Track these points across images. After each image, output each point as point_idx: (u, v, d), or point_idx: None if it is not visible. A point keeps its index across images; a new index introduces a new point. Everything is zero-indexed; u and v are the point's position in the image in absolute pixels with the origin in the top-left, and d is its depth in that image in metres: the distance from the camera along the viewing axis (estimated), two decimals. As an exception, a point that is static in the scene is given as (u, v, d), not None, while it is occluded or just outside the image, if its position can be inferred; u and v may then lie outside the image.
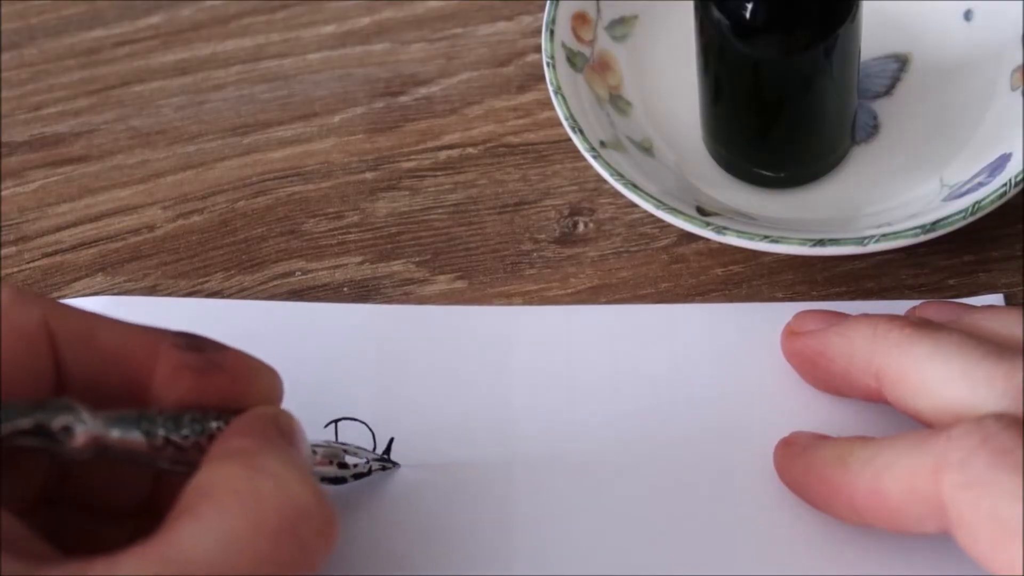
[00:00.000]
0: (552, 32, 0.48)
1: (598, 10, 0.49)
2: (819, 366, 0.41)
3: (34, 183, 0.51)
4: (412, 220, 0.49)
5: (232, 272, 0.48)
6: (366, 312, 0.46)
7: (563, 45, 0.48)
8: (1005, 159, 0.45)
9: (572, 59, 0.48)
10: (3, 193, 0.50)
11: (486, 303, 0.46)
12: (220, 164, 0.51)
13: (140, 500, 0.38)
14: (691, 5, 0.44)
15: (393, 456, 0.42)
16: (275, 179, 0.50)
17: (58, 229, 0.50)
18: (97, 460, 0.35)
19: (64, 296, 0.48)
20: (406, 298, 0.47)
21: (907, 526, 0.36)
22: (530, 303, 0.46)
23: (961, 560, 0.35)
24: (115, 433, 0.34)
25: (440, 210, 0.49)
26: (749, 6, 0.42)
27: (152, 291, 0.47)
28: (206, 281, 0.48)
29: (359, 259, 0.48)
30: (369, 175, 0.50)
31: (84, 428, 0.34)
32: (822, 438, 0.40)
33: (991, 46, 0.48)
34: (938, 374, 0.37)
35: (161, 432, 0.35)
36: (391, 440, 0.42)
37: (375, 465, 0.41)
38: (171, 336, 0.36)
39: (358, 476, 0.41)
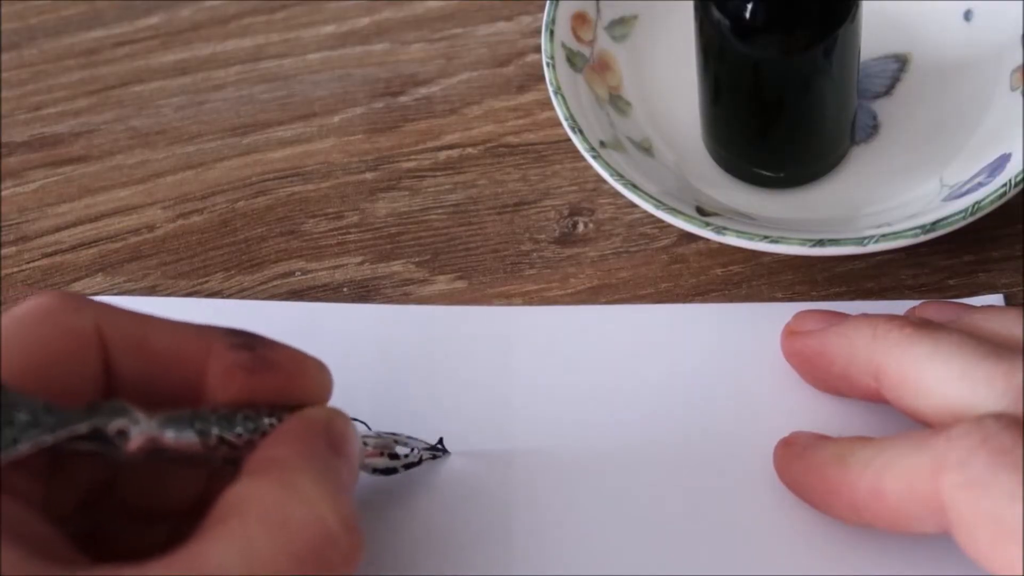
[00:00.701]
0: (552, 32, 0.48)
1: (598, 10, 0.49)
2: (819, 366, 0.41)
3: (34, 183, 0.51)
4: (412, 220, 0.49)
5: (232, 272, 0.48)
6: (366, 312, 0.46)
7: (563, 45, 0.48)
8: (1005, 159, 0.45)
9: (572, 59, 0.48)
10: (3, 193, 0.50)
11: (486, 303, 0.46)
12: (220, 164, 0.51)
13: (189, 501, 0.38)
14: (691, 5, 0.44)
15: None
16: (275, 179, 0.50)
17: (58, 229, 0.50)
18: (146, 463, 0.35)
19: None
20: (406, 298, 0.47)
21: (907, 526, 0.36)
22: (530, 303, 0.46)
23: (961, 560, 0.35)
24: (169, 434, 0.34)
25: (440, 210, 0.49)
26: (749, 6, 0.42)
27: (152, 291, 0.47)
28: (206, 281, 0.48)
29: (359, 259, 0.48)
30: (369, 175, 0.50)
31: (139, 430, 0.34)
32: (822, 438, 0.40)
33: (991, 46, 0.48)
34: (938, 374, 0.37)
35: (215, 431, 0.35)
36: (441, 439, 0.42)
37: (425, 454, 0.41)
38: (223, 335, 0.36)
39: (409, 466, 0.41)
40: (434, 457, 0.42)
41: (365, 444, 0.39)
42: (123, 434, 0.34)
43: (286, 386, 0.36)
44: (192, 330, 0.36)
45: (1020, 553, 0.33)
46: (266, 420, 0.36)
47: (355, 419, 0.43)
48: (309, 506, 0.33)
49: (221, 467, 0.36)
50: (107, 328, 0.35)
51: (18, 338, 0.34)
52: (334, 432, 0.36)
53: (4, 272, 0.48)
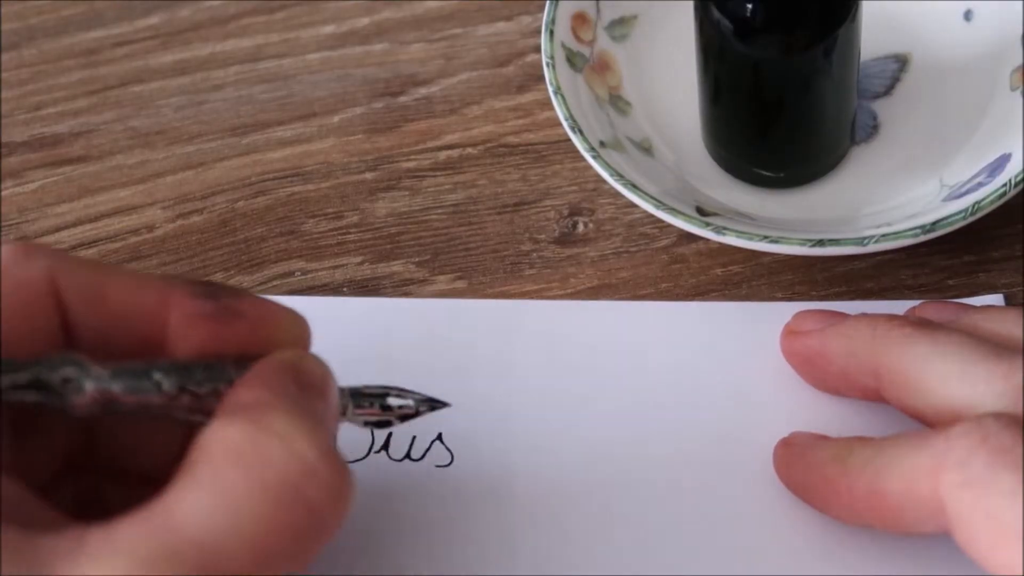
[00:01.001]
0: (552, 32, 0.48)
1: (598, 10, 0.49)
2: (818, 366, 0.41)
3: (34, 183, 0.51)
4: (412, 220, 0.49)
5: (232, 272, 0.48)
6: (367, 306, 0.46)
7: (563, 45, 0.48)
8: (1005, 159, 0.45)
9: (572, 59, 0.48)
10: (3, 193, 0.50)
11: (486, 303, 0.46)
12: (219, 164, 0.51)
13: (175, 459, 0.35)
14: (691, 5, 0.44)
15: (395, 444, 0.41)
16: (275, 179, 0.50)
17: (58, 229, 0.50)
18: (121, 421, 0.34)
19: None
20: (406, 298, 0.47)
21: (907, 526, 0.36)
22: (530, 303, 0.46)
23: (961, 560, 0.35)
24: (120, 385, 0.33)
25: (440, 210, 0.49)
26: (749, 6, 0.42)
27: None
28: (206, 281, 0.48)
29: (359, 259, 0.48)
30: (369, 175, 0.50)
31: (87, 381, 0.32)
32: (822, 438, 0.40)
33: (991, 46, 0.48)
34: (937, 374, 0.37)
35: (172, 382, 0.33)
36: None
37: (423, 407, 0.39)
38: (183, 285, 0.35)
39: (405, 418, 0.38)
40: (432, 408, 0.39)
41: (355, 396, 0.37)
42: (70, 383, 0.32)
43: (254, 336, 0.35)
44: (151, 279, 0.35)
45: (1020, 553, 0.33)
46: (232, 372, 0.34)
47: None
48: (284, 442, 0.31)
49: (196, 423, 0.34)
50: (62, 278, 0.34)
51: None
52: (304, 370, 0.34)
53: (4, 272, 0.48)
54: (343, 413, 0.37)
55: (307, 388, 0.34)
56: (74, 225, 0.50)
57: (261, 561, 0.31)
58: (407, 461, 0.42)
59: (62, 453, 0.35)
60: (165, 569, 0.30)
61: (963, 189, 0.45)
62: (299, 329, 0.36)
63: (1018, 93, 0.47)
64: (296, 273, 0.48)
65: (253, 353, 0.35)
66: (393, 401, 0.38)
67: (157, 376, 0.33)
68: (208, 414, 0.33)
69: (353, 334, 0.45)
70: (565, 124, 0.46)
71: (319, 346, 0.37)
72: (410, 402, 0.38)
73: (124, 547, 0.30)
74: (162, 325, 0.34)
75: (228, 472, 0.31)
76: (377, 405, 0.38)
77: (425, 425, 0.42)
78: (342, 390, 0.37)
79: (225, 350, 0.34)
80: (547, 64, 0.47)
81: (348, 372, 0.43)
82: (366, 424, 0.38)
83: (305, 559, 0.32)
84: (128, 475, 0.36)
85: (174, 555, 0.30)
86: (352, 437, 0.42)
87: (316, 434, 0.32)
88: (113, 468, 0.36)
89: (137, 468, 0.36)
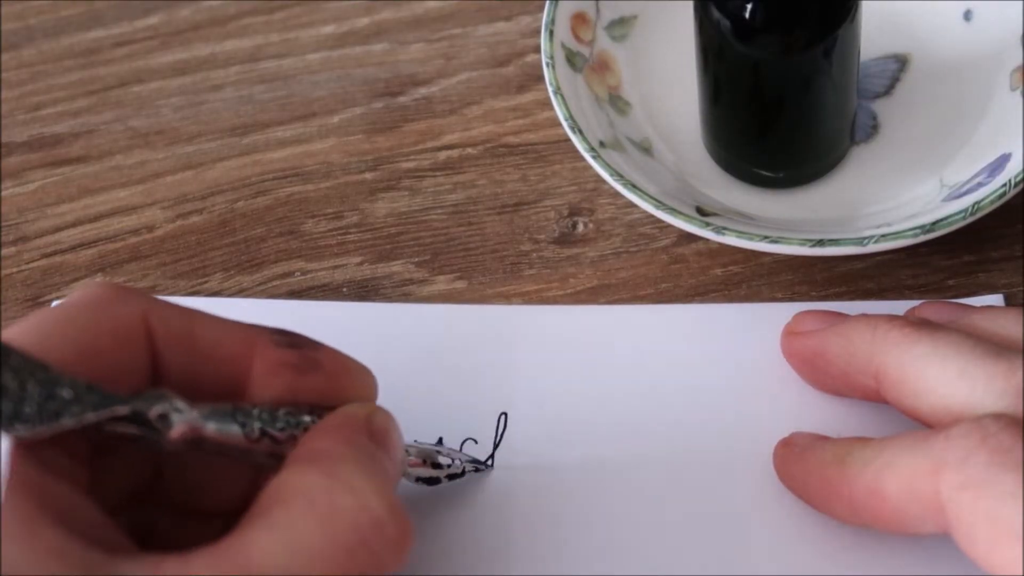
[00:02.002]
0: (551, 32, 0.48)
1: (597, 10, 0.49)
2: (818, 366, 0.41)
3: (33, 183, 0.51)
4: (411, 220, 0.49)
5: (231, 272, 0.48)
6: (366, 311, 0.46)
7: (562, 45, 0.48)
8: (1005, 159, 0.45)
9: (571, 59, 0.48)
10: (2, 194, 0.50)
11: (485, 303, 0.46)
12: (219, 164, 0.51)
13: (236, 500, 0.37)
14: (691, 5, 0.44)
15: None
16: (274, 179, 0.50)
17: (57, 229, 0.50)
18: (192, 459, 0.35)
19: (63, 297, 0.48)
20: (406, 299, 0.47)
21: (906, 526, 0.36)
22: (529, 303, 0.46)
23: (961, 560, 0.35)
24: (211, 425, 0.34)
25: (439, 210, 0.49)
26: (748, 6, 0.42)
27: (151, 292, 0.47)
28: (205, 282, 0.48)
29: (358, 259, 0.48)
30: (368, 175, 0.50)
31: (181, 418, 0.34)
32: (822, 438, 0.40)
33: (991, 46, 0.48)
34: (937, 374, 0.37)
35: (257, 425, 0.35)
36: (492, 456, 0.42)
37: (468, 467, 0.41)
38: (268, 333, 0.36)
39: (452, 477, 0.41)
40: (477, 470, 0.42)
41: (408, 453, 0.39)
42: (165, 419, 0.34)
43: (329, 387, 0.36)
44: (238, 327, 0.36)
45: (1019, 553, 0.33)
46: (307, 418, 0.36)
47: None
48: (355, 495, 0.33)
49: (267, 466, 0.36)
50: (154, 320, 0.36)
51: (67, 326, 0.34)
52: (375, 425, 0.36)
53: (4, 272, 0.48)
54: (403, 472, 0.39)
55: (377, 441, 0.36)
56: (74, 225, 0.50)
57: None
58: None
59: (133, 483, 0.37)
60: None
61: (963, 189, 0.45)
62: (369, 382, 0.38)
63: (1018, 93, 0.47)
64: (296, 273, 0.48)
65: (328, 403, 0.36)
66: (443, 460, 0.41)
67: (242, 418, 0.35)
68: (281, 459, 0.35)
69: (353, 340, 0.45)
70: (565, 124, 0.46)
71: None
72: (457, 462, 0.41)
73: None
74: (245, 369, 0.36)
75: (302, 517, 0.32)
76: (429, 463, 0.40)
77: (426, 430, 0.42)
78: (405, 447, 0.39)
79: (302, 399, 0.36)
80: (547, 64, 0.47)
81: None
82: (417, 480, 0.40)
83: None
84: (187, 511, 0.37)
85: None
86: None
87: (384, 487, 0.34)
88: (174, 503, 0.37)
89: (197, 505, 0.37)
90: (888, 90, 0.49)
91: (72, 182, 0.51)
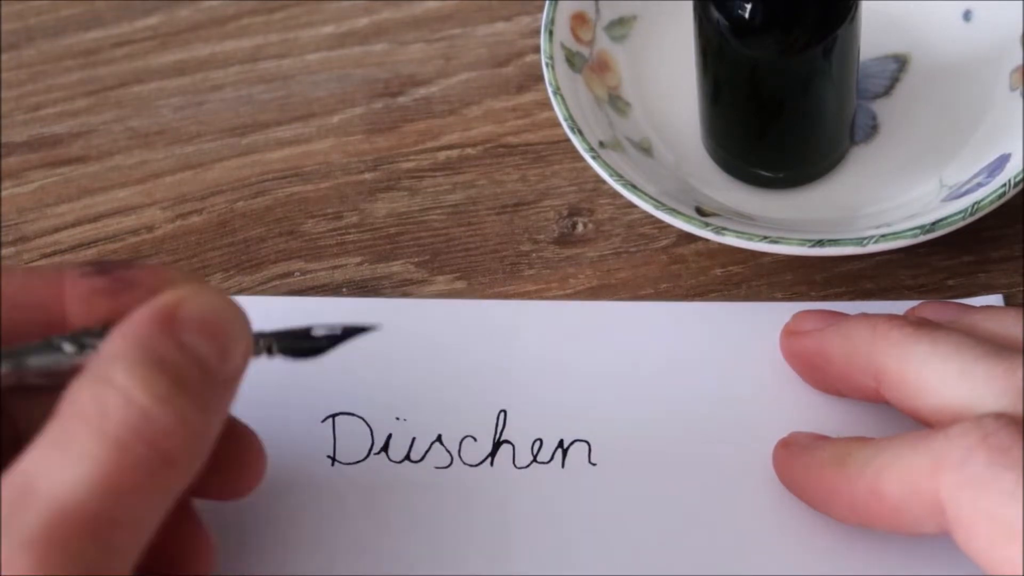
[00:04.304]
0: (551, 32, 0.47)
1: (597, 10, 0.49)
2: (818, 366, 0.41)
3: (33, 184, 0.51)
4: (411, 220, 0.49)
5: (231, 272, 0.48)
6: (366, 306, 0.46)
7: (562, 45, 0.48)
8: (1004, 159, 0.45)
9: (571, 59, 0.48)
10: (2, 194, 0.50)
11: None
12: (219, 165, 0.51)
13: None
14: (690, 5, 0.44)
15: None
16: (274, 180, 0.50)
17: (57, 230, 0.49)
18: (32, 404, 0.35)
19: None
20: (404, 299, 0.47)
21: (906, 526, 0.36)
22: (529, 303, 0.46)
23: (961, 560, 0.35)
24: (32, 360, 0.34)
25: (439, 211, 0.49)
26: (748, 6, 0.42)
27: (151, 292, 0.47)
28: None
29: (358, 260, 0.48)
30: (368, 175, 0.50)
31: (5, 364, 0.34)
32: (821, 438, 0.40)
33: (991, 46, 0.48)
34: (937, 374, 0.37)
35: (69, 347, 0.34)
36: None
37: (347, 330, 0.38)
38: (73, 267, 0.36)
39: (333, 341, 0.37)
40: (363, 331, 0.38)
41: (280, 337, 0.37)
42: None
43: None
44: (42, 270, 0.36)
45: (1019, 553, 0.33)
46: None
47: (352, 414, 0.42)
48: (118, 391, 0.32)
49: None
50: None
51: None
52: (185, 312, 0.34)
53: (3, 272, 0.48)
54: (268, 350, 0.36)
55: (165, 326, 0.34)
56: (73, 225, 0.49)
57: (114, 500, 0.32)
58: (407, 463, 0.42)
59: None
60: (21, 524, 0.31)
61: (963, 189, 0.45)
62: (201, 285, 0.36)
63: (1018, 93, 0.47)
64: (295, 273, 0.48)
65: None
66: (319, 332, 0.37)
67: (57, 342, 0.34)
68: None
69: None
70: (564, 124, 0.46)
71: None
72: (336, 328, 0.38)
73: None
74: (61, 310, 0.35)
75: (71, 424, 0.32)
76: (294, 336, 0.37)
77: (425, 427, 0.42)
78: (261, 333, 0.36)
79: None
80: (546, 64, 0.47)
81: (348, 373, 0.43)
82: (295, 352, 0.37)
83: (167, 487, 0.33)
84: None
85: (28, 509, 0.31)
86: (352, 439, 0.43)
87: (155, 378, 0.33)
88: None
89: None
90: (888, 90, 0.49)
91: (72, 182, 0.51)
